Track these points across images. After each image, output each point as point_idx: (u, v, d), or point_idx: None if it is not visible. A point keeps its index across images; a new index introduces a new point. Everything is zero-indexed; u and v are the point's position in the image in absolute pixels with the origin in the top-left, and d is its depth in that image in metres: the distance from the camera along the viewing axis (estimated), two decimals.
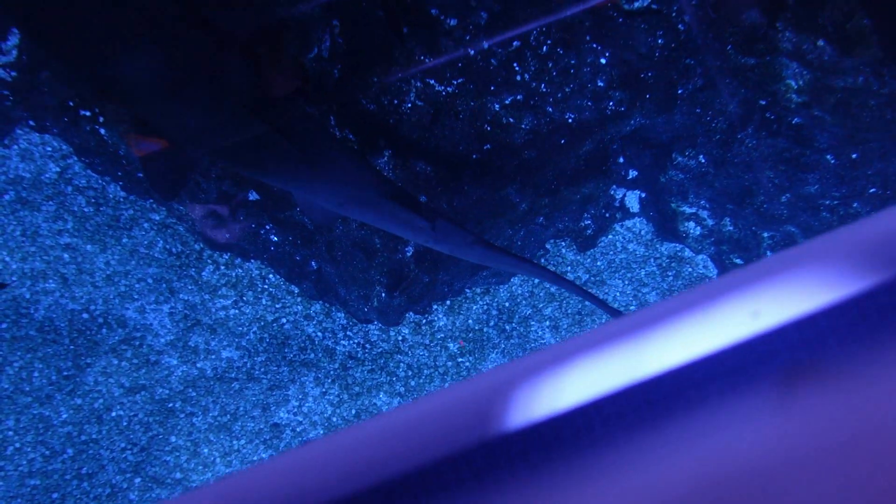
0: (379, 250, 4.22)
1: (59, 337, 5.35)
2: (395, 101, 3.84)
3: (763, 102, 3.87)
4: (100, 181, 5.27)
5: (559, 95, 3.80)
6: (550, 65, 3.77)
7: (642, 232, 5.81)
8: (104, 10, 2.79)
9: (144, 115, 3.18)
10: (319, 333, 5.85)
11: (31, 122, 4.73)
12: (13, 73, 4.12)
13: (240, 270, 5.65)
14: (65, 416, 5.40)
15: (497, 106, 3.83)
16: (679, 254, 5.79)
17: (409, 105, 3.85)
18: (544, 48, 3.76)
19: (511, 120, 3.83)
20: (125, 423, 5.51)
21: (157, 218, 5.45)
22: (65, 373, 5.38)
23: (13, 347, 5.27)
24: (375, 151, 3.97)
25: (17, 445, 5.33)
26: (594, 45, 3.73)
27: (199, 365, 5.64)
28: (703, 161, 4.44)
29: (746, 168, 4.20)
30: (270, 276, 5.70)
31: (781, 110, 3.74)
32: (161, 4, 3.02)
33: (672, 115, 4.11)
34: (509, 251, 3.54)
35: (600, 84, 3.80)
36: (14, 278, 5.22)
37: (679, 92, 4.13)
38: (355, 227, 4.19)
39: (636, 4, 3.82)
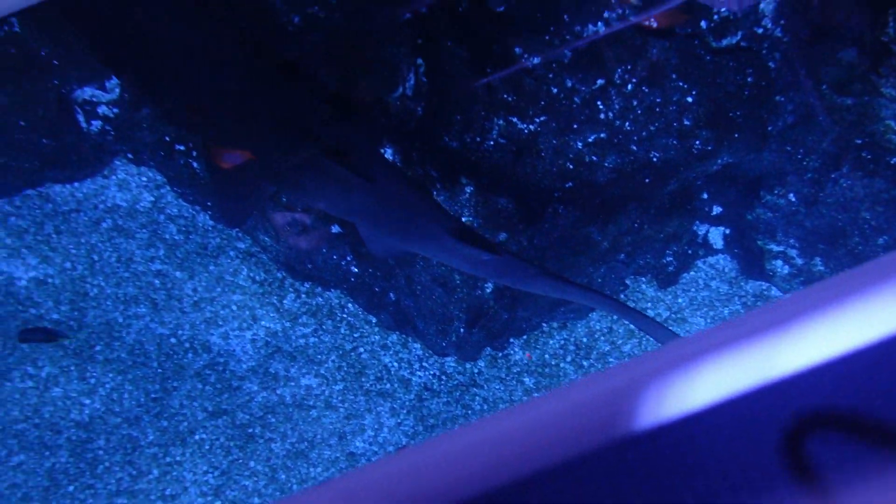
0: (458, 286, 4.24)
1: (148, 360, 5.55)
2: (478, 139, 3.87)
3: (859, 142, 3.73)
4: (190, 210, 5.47)
5: (644, 134, 3.75)
6: (635, 103, 3.73)
7: (726, 269, 5.66)
8: (191, 49, 2.95)
9: (222, 140, 3.30)
10: (396, 364, 5.89)
11: (130, 155, 4.97)
12: (115, 110, 4.34)
13: (320, 299, 5.76)
14: (151, 437, 5.58)
15: (580, 144, 3.81)
16: (765, 292, 5.60)
17: (492, 143, 3.87)
18: (629, 86, 3.73)
19: (594, 158, 3.80)
20: (207, 447, 5.66)
21: (243, 247, 5.62)
22: (153, 395, 5.57)
23: (105, 369, 5.49)
24: (457, 188, 4.00)
25: (107, 465, 5.54)
26: (680, 84, 3.68)
27: (278, 391, 5.76)
28: (793, 200, 4.30)
29: (840, 208, 4.04)
30: (350, 305, 5.79)
31: (880, 150, 3.60)
32: (235, 40, 3.17)
33: (761, 152, 4.01)
34: (573, 281, 3.52)
35: (686, 123, 3.74)
36: (108, 303, 5.45)
37: (769, 129, 4.03)
38: (435, 263, 4.22)
39: (724, 42, 3.75)
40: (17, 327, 5.29)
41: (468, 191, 3.96)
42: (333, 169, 3.07)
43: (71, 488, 5.45)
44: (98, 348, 5.46)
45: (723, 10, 3.64)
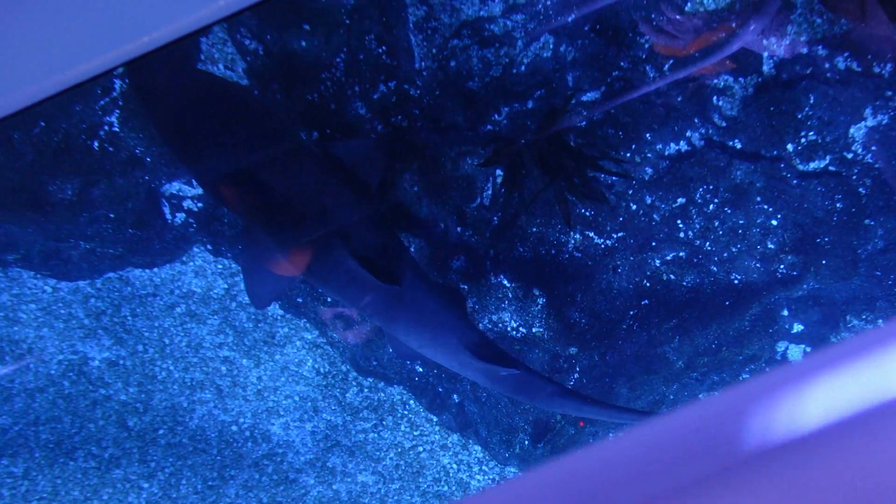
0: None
1: (209, 447, 5.54)
2: (553, 251, 3.83)
3: None
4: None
5: (725, 255, 3.65)
6: (717, 223, 3.65)
7: None
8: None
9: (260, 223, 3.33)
10: (455, 465, 5.75)
11: (209, 246, 5.10)
12: (199, 205, 4.48)
13: (382, 395, 5.70)
14: None
15: (658, 262, 3.73)
16: None
17: (567, 255, 3.82)
18: (711, 206, 3.66)
19: (672, 277, 3.71)
20: None
21: (310, 337, 5.64)
22: (210, 482, 5.54)
23: (166, 453, 5.51)
24: (529, 299, 3.94)
25: None
26: (765, 206, 3.59)
27: (335, 486, 5.66)
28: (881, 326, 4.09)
29: None
30: (411, 402, 5.72)
31: None
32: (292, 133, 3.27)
33: (850, 280, 3.86)
34: (597, 399, 3.43)
35: (771, 246, 3.63)
36: (175, 387, 5.51)
37: (858, 252, 3.88)
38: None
39: (811, 165, 3.66)
40: (86, 407, 5.38)
41: (540, 302, 3.90)
42: (357, 269, 3.06)
43: None
44: (161, 432, 5.49)
45: (773, 56, 3.56)
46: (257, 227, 3.31)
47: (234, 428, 5.56)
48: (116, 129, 3.94)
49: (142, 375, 5.42)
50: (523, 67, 4.02)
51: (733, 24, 3.61)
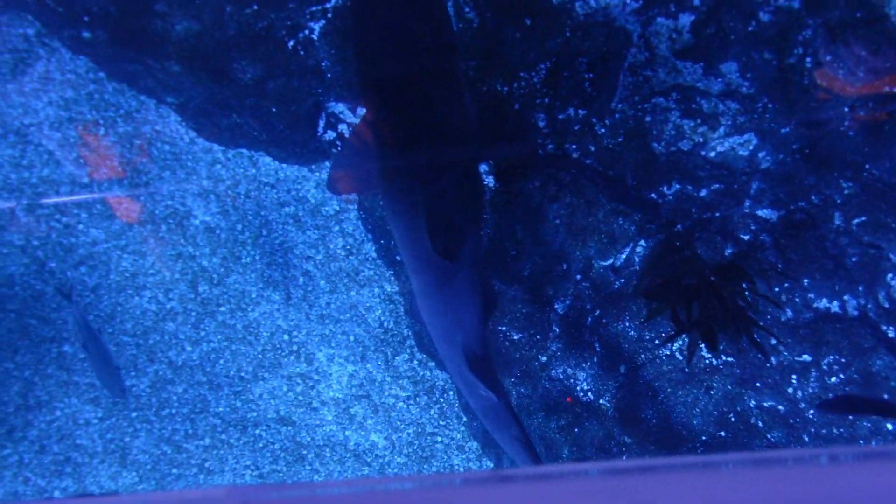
0: (559, 445, 4.09)
1: (256, 342, 5.70)
2: (657, 342, 3.72)
3: None
4: (363, 234, 5.60)
5: (823, 432, 3.47)
6: (831, 396, 3.46)
7: None
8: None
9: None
10: (462, 469, 5.76)
11: None
12: (351, 129, 4.52)
13: (428, 374, 5.73)
14: (221, 408, 5.72)
15: (753, 403, 3.57)
16: None
17: (669, 352, 3.71)
18: (833, 379, 3.47)
19: (760, 424, 3.55)
20: (261, 445, 5.74)
21: (388, 290, 5.69)
22: (241, 374, 5.71)
23: (217, 330, 5.68)
24: (612, 372, 3.86)
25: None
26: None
27: (347, 433, 5.76)
28: None
29: None
30: (450, 393, 5.73)
31: None
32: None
33: None
34: (539, 460, 3.42)
35: (873, 444, 3.42)
36: (252, 276, 5.64)
37: None
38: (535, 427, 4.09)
39: None
40: (170, 256, 5.57)
41: (620, 381, 3.81)
42: (421, 224, 3.02)
43: None
44: (222, 308, 5.66)
45: None
46: (374, 126, 3.27)
47: (286, 337, 5.70)
48: (314, 38, 3.98)
49: (229, 251, 5.58)
50: (713, 153, 3.85)
51: None
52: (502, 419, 3.33)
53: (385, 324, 5.70)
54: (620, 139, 3.89)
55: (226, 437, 5.72)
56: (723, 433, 3.62)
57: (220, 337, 5.67)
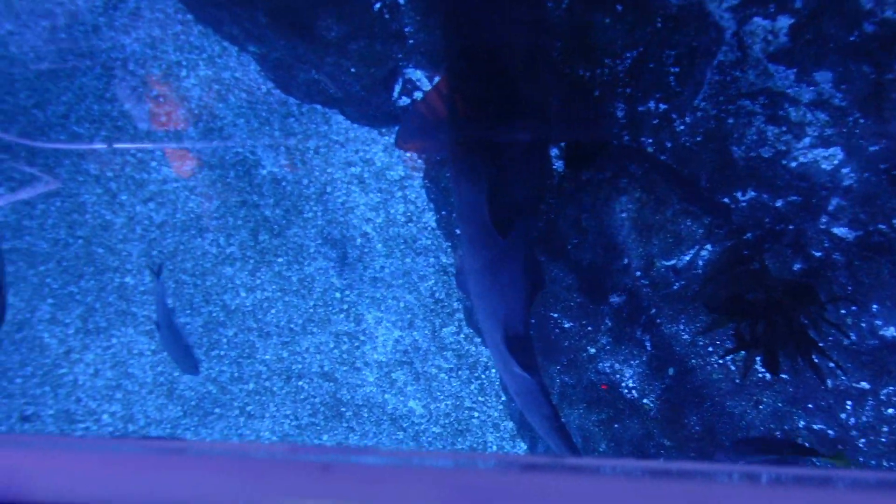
0: (597, 439, 4.08)
1: (309, 296, 5.78)
2: (710, 349, 3.65)
3: None
4: (425, 203, 5.61)
5: (872, 463, 3.37)
6: (885, 429, 3.35)
7: None
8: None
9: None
10: (495, 447, 5.79)
11: None
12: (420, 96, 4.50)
13: (473, 349, 5.75)
14: (268, 356, 5.85)
15: (803, 423, 3.49)
16: None
17: (721, 362, 3.64)
18: (890, 410, 3.36)
19: (806, 445, 3.46)
20: (302, 397, 5.86)
21: (444, 262, 5.70)
22: (291, 325, 5.82)
23: (272, 279, 5.78)
24: (660, 373, 3.81)
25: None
26: None
27: (386, 396, 5.84)
28: None
29: None
30: (493, 371, 5.74)
31: None
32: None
33: None
34: (574, 445, 3.36)
35: None
36: (312, 231, 5.71)
37: None
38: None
39: None
40: (235, 203, 5.67)
41: (667, 383, 3.75)
42: (481, 198, 3.01)
43: None
44: (280, 259, 5.75)
45: None
46: (450, 93, 3.28)
47: (337, 295, 5.77)
48: (401, 2, 3.96)
49: (292, 204, 5.66)
50: (795, 164, 3.72)
51: None
52: (535, 399, 3.35)
53: (436, 294, 5.73)
54: (699, 138, 3.79)
55: (269, 385, 5.85)
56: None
57: (274, 287, 5.78)
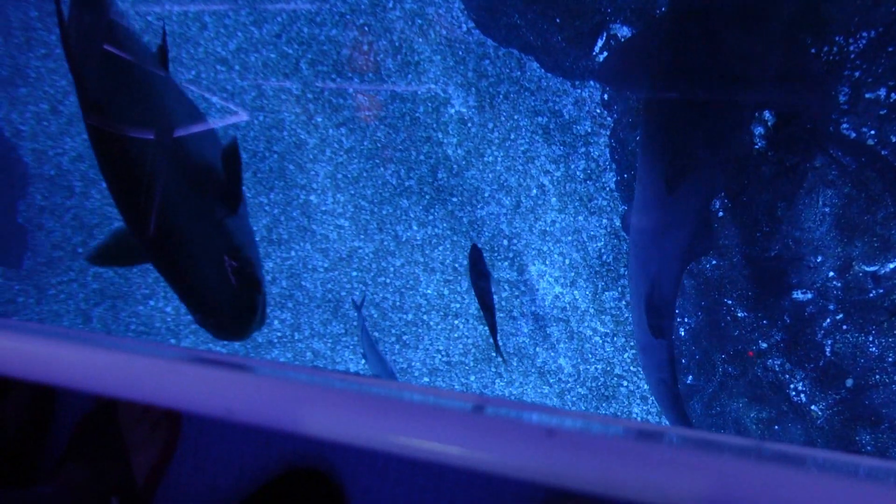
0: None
1: (476, 237, 5.86)
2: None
3: None
4: (607, 163, 5.46)
5: None
6: None
7: None
8: None
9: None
10: (639, 417, 5.69)
11: (604, 96, 4.99)
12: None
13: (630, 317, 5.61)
14: (430, 291, 6.02)
15: (869, 436, 3.14)
16: None
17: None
18: None
19: None
20: (455, 336, 6.00)
21: (617, 224, 5.56)
22: (456, 265, 5.92)
23: (442, 225, 5.89)
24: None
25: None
26: None
27: (537, 349, 5.85)
28: None
29: None
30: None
31: None
32: None
33: None
34: (683, 407, 3.43)
35: None
36: (490, 175, 5.74)
37: None
38: None
39: None
40: (420, 138, 5.78)
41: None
42: (659, 179, 2.94)
43: None
44: (454, 200, 5.84)
45: None
46: (659, 47, 3.21)
47: (505, 242, 5.80)
48: None
49: (474, 146, 5.69)
50: None
51: None
52: (656, 358, 3.37)
53: (604, 256, 5.61)
54: None
55: (427, 319, 6.03)
56: None
57: (445, 225, 5.88)
